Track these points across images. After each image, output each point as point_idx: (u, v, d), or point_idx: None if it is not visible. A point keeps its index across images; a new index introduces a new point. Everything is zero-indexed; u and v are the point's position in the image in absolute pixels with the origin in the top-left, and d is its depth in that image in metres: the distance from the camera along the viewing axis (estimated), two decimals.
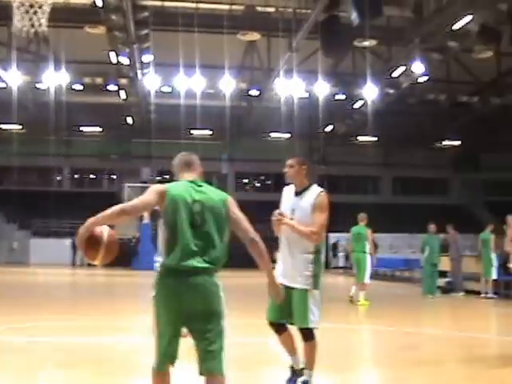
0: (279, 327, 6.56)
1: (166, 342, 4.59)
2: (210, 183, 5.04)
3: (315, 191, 6.50)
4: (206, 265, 4.57)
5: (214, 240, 4.65)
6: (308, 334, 6.41)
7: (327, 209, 6.44)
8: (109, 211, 4.56)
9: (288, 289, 6.27)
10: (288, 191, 6.66)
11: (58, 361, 8.28)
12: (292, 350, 6.66)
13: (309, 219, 6.36)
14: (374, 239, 18.36)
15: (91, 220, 4.54)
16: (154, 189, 4.73)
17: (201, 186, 4.82)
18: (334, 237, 41.81)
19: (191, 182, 4.82)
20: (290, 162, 6.62)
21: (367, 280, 17.03)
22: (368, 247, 17.18)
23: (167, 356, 4.63)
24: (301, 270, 6.40)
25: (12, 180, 47.64)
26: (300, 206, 6.47)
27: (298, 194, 6.54)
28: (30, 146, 44.19)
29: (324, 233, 6.50)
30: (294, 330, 6.54)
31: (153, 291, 4.65)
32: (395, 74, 31.94)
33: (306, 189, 6.53)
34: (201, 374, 4.61)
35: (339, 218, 38.27)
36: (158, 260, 5.61)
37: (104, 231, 4.68)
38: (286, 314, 6.41)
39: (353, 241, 17.49)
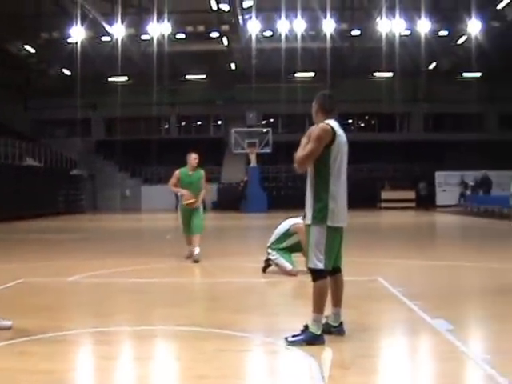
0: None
1: None
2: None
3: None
4: None
5: None
6: (312, 275, 5.99)
7: (318, 140, 5.82)
8: None
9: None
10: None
11: (172, 299, 8.78)
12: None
13: None
14: None
15: None
16: None
17: None
18: (439, 175, 40.47)
19: None
20: None
21: None
22: None
23: None
24: (307, 204, 6.06)
25: (121, 130, 48.94)
26: None
27: None
28: (136, 97, 45.30)
29: (310, 163, 5.89)
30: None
31: None
32: (500, 6, 30.98)
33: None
34: None
35: (443, 156, 37.96)
36: None
37: None
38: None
39: None
